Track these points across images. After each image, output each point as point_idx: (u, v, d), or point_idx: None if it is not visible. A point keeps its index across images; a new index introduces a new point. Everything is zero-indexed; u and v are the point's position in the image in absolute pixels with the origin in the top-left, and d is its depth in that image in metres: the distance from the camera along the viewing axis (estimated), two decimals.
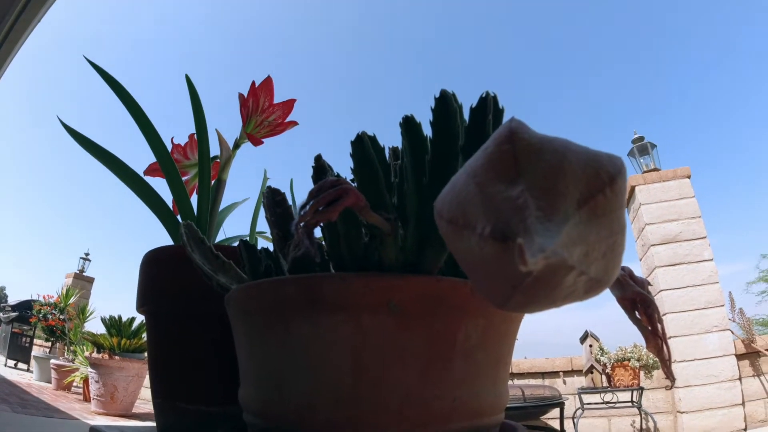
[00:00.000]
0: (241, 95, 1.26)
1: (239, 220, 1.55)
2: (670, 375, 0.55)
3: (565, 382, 6.54)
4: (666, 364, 0.55)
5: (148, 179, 1.24)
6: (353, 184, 0.54)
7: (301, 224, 0.45)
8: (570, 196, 0.29)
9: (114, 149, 1.20)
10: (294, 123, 1.34)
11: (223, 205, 1.33)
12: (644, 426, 5.79)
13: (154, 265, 1.06)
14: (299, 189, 1.52)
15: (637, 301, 0.54)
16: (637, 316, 0.55)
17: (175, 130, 1.38)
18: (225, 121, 1.34)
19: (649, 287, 0.56)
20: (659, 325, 0.54)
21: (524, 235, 0.27)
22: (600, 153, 0.31)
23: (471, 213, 0.31)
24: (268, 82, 1.28)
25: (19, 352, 10.37)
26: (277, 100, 1.32)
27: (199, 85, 1.25)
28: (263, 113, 1.30)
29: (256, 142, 1.27)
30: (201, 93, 1.24)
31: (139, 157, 1.28)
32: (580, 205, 0.29)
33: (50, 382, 8.17)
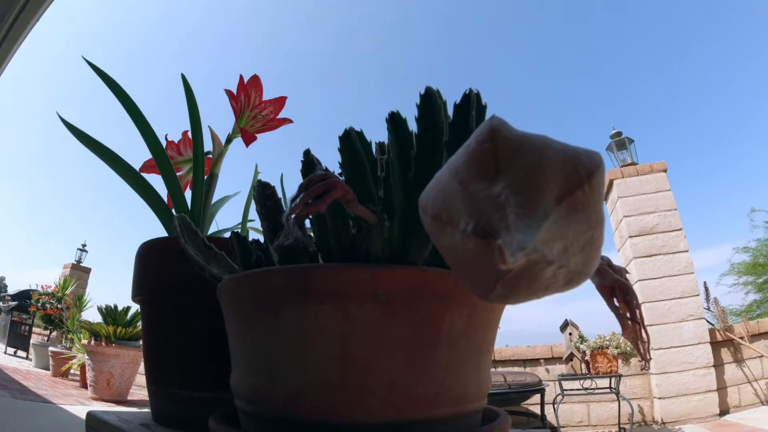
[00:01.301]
0: (229, 91, 1.26)
1: (232, 213, 1.56)
2: (645, 357, 0.56)
3: (548, 371, 6.55)
4: (639, 348, 0.55)
5: (144, 175, 1.24)
6: (341, 178, 0.54)
7: (292, 216, 0.45)
8: (549, 192, 0.29)
9: (112, 146, 1.20)
10: (289, 120, 1.34)
11: (215, 199, 1.33)
12: (622, 413, 5.81)
13: (149, 256, 1.06)
14: (289, 183, 1.52)
15: (616, 288, 0.55)
16: (615, 303, 0.55)
17: (168, 126, 1.39)
18: (216, 119, 1.34)
19: (627, 275, 0.57)
20: (637, 311, 0.55)
21: (505, 233, 0.27)
22: (578, 149, 0.31)
23: (454, 210, 0.31)
24: (255, 79, 1.28)
25: (19, 340, 10.35)
26: (267, 97, 1.32)
27: (192, 83, 1.25)
28: (256, 108, 1.30)
29: (250, 138, 1.26)
30: (194, 88, 1.24)
31: (135, 152, 1.28)
32: (559, 200, 0.29)
33: (48, 369, 8.15)
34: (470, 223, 0.29)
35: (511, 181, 0.29)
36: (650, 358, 0.56)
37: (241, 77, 1.26)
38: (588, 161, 0.30)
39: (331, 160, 0.64)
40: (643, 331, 0.55)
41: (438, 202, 0.32)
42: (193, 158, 1.22)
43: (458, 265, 0.33)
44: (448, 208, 0.31)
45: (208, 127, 1.28)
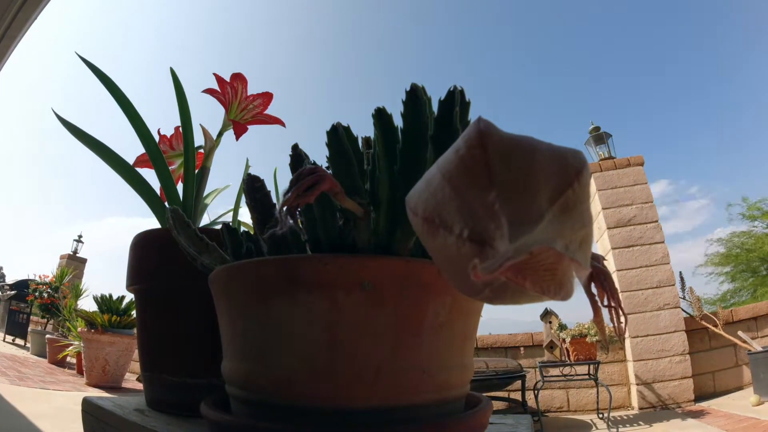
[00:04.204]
0: (210, 90, 1.26)
1: (227, 205, 1.56)
2: (619, 334, 0.56)
3: (532, 358, 6.57)
4: (604, 332, 0.56)
5: (138, 169, 1.24)
6: (329, 172, 0.55)
7: (284, 208, 0.46)
8: (542, 195, 0.29)
9: (106, 140, 1.20)
10: (281, 122, 1.34)
11: (207, 191, 1.33)
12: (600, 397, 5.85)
13: (143, 246, 1.06)
14: (282, 177, 1.53)
15: (594, 274, 0.55)
16: (593, 290, 0.55)
17: (161, 121, 1.38)
18: (209, 113, 1.34)
19: (605, 261, 0.57)
20: (616, 296, 0.55)
21: (500, 241, 0.28)
22: (564, 149, 0.31)
23: (448, 214, 0.31)
24: (239, 75, 1.28)
25: (17, 328, 10.36)
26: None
27: (184, 80, 1.25)
28: (244, 101, 1.30)
29: (241, 129, 1.26)
30: (186, 88, 1.24)
31: (129, 146, 1.28)
32: (551, 202, 0.29)
33: (45, 357, 8.14)
34: (465, 229, 0.29)
35: (505, 188, 0.29)
36: (625, 329, 0.56)
37: (217, 75, 1.26)
38: (574, 160, 0.31)
39: (320, 154, 0.65)
40: (621, 312, 0.56)
41: (430, 205, 0.32)
42: (184, 151, 1.22)
43: (448, 265, 0.33)
44: (441, 212, 0.31)
45: (200, 125, 1.28)
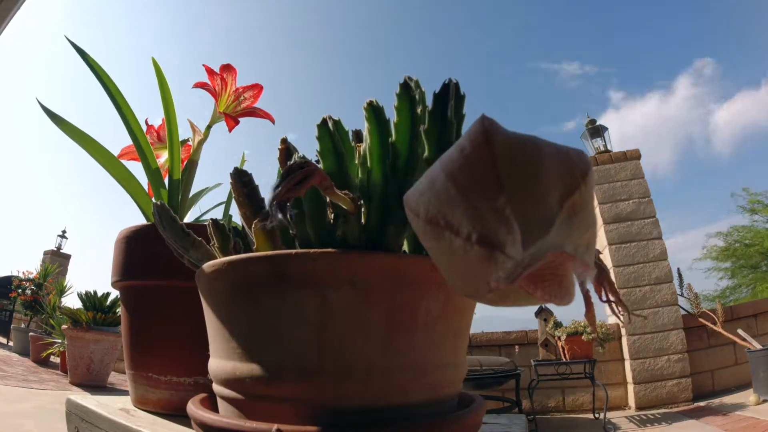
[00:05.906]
0: (201, 83, 1.26)
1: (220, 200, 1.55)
2: (622, 319, 0.56)
3: (528, 354, 6.56)
4: (595, 327, 0.56)
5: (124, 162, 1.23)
6: (319, 166, 0.55)
7: (274, 202, 0.46)
8: (551, 198, 0.29)
9: (101, 139, 1.19)
10: (271, 118, 1.34)
11: (196, 185, 1.33)
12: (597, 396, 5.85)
13: (128, 242, 1.06)
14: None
15: None
16: (587, 285, 0.55)
17: (154, 116, 1.38)
18: (203, 107, 1.34)
19: (600, 255, 0.57)
20: (614, 289, 0.55)
21: (511, 246, 0.28)
22: (568, 150, 0.31)
23: (454, 217, 0.30)
24: (228, 66, 1.28)
25: None
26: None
27: (179, 77, 1.25)
28: (235, 92, 1.30)
29: (232, 121, 1.26)
30: (181, 85, 1.24)
31: (117, 140, 1.28)
32: (560, 205, 0.29)
33: (28, 355, 8.12)
34: (474, 233, 0.29)
35: (514, 191, 0.29)
36: (629, 319, 0.57)
37: (206, 66, 1.26)
38: (580, 162, 0.31)
39: (311, 147, 0.65)
40: (622, 304, 0.56)
41: (434, 206, 0.32)
42: (168, 143, 1.21)
43: (451, 267, 0.32)
44: (446, 214, 0.31)
45: (187, 119, 1.28)
